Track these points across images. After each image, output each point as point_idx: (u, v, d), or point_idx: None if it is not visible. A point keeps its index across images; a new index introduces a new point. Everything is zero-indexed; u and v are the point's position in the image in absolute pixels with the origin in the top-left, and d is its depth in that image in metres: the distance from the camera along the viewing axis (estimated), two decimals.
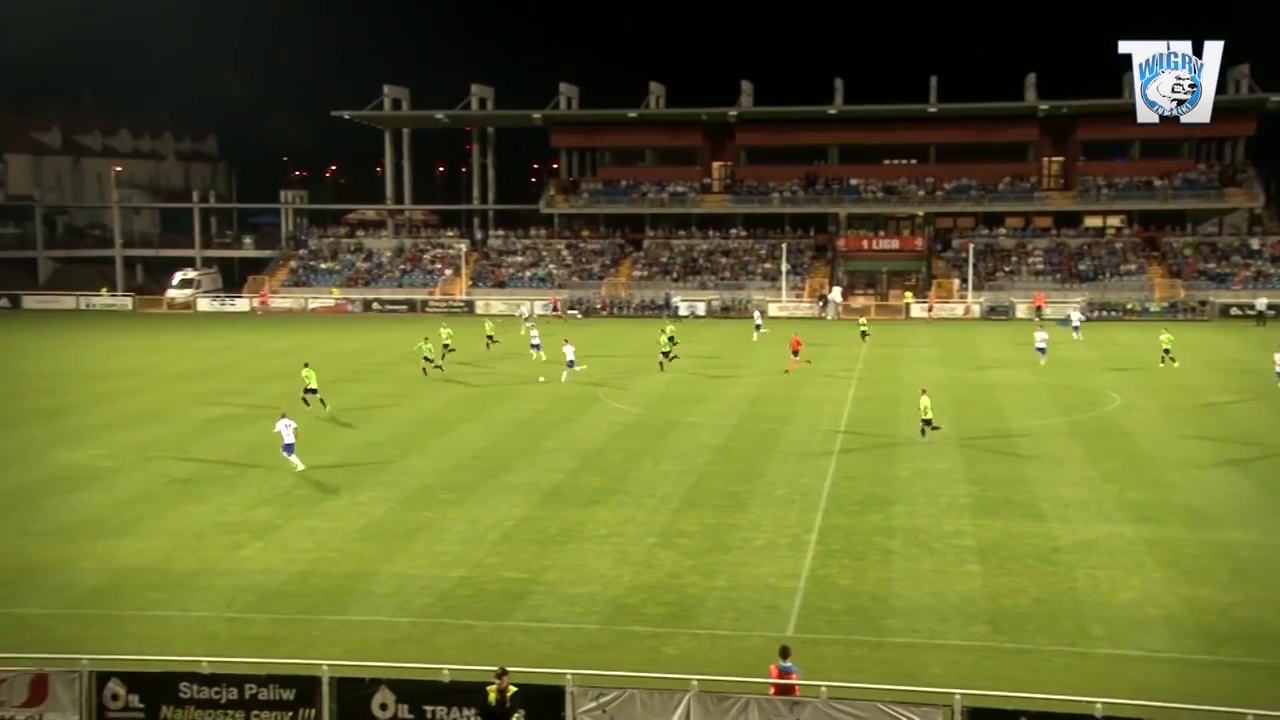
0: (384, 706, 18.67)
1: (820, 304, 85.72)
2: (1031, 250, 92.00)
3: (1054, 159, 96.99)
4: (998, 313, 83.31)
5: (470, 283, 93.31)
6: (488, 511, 31.01)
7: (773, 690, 18.20)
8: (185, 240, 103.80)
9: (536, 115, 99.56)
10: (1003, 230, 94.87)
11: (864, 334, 67.20)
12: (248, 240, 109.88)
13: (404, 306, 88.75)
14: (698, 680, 18.37)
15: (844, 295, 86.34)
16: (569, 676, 18.63)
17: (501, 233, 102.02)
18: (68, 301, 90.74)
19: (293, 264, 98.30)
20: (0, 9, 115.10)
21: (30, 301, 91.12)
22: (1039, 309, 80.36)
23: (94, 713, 18.92)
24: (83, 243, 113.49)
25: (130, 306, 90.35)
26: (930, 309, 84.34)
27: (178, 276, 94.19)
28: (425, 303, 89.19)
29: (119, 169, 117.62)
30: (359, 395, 48.97)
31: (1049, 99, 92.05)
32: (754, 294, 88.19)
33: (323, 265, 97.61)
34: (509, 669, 18.16)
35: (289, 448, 34.86)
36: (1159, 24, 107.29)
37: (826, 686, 18.17)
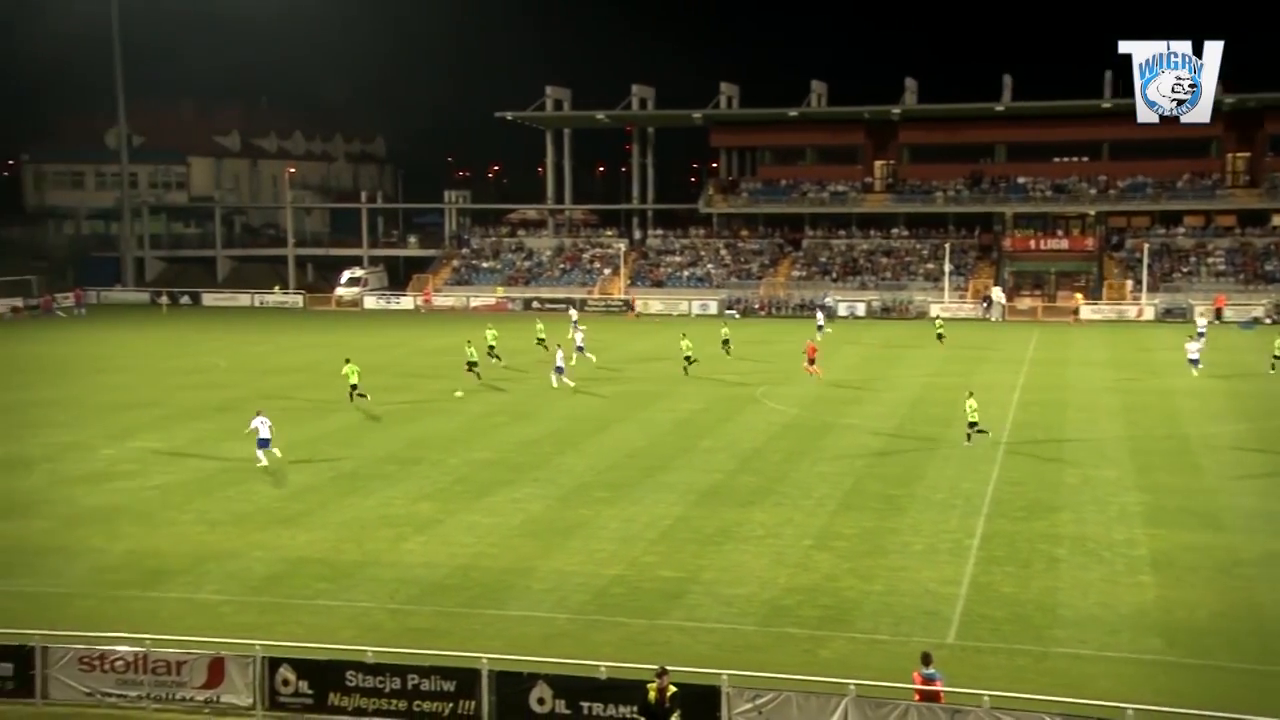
0: (541, 701, 18.81)
1: (984, 305, 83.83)
2: (1212, 250, 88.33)
3: (1239, 154, 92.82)
4: (1174, 315, 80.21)
5: (629, 282, 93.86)
6: (644, 510, 31.07)
7: (916, 697, 17.82)
8: (354, 239, 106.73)
9: (697, 115, 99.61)
10: (1181, 229, 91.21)
11: (940, 336, 65.24)
12: (413, 240, 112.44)
13: (563, 305, 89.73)
14: (855, 685, 18.06)
15: (1008, 296, 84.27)
16: (725, 677, 18.51)
17: (660, 232, 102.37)
18: (243, 299, 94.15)
19: (455, 263, 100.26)
20: (187, 25, 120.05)
21: (209, 298, 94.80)
22: (1218, 312, 77.11)
23: (266, 697, 19.50)
24: (258, 242, 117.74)
25: (300, 304, 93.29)
26: (1076, 312, 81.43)
27: (345, 275, 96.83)
28: (584, 301, 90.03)
29: (292, 170, 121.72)
30: (518, 392, 49.63)
31: (1234, 93, 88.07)
32: (829, 293, 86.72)
33: (484, 264, 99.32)
34: (667, 668, 18.10)
35: (264, 442, 35.50)
36: None
37: (990, 696, 17.67)
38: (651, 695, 17.75)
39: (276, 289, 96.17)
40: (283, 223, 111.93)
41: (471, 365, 51.73)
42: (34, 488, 33.36)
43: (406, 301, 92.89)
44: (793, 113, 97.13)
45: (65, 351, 63.22)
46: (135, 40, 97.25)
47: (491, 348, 57.35)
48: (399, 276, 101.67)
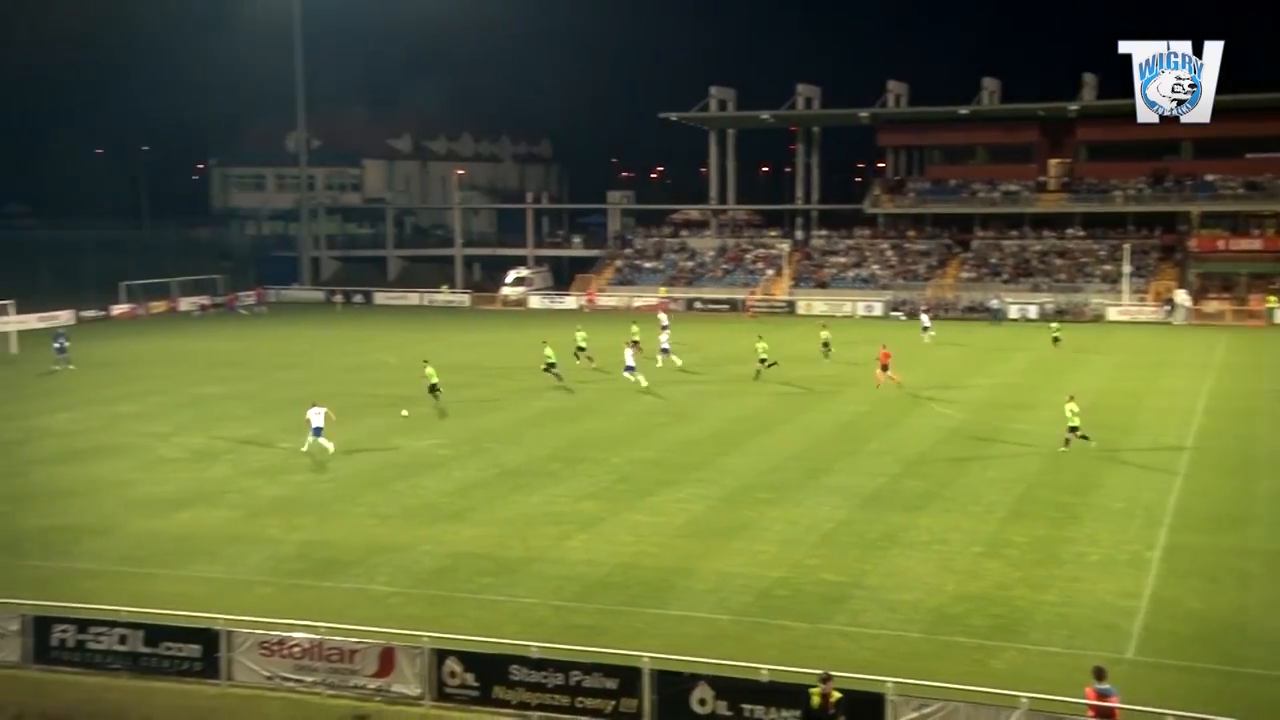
0: (703, 702, 18.72)
1: (1166, 308, 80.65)
2: None
3: None
4: None
5: (792, 283, 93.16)
6: (807, 513, 30.72)
7: (1090, 713, 17.13)
8: (519, 240, 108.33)
9: (864, 114, 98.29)
10: None
11: (1056, 340, 62.85)
12: (577, 240, 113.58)
13: (725, 306, 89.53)
14: (1027, 698, 17.49)
15: (1193, 299, 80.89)
16: (889, 685, 18.14)
17: (824, 233, 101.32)
18: (412, 298, 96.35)
19: (618, 263, 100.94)
20: (364, 32, 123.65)
21: (380, 297, 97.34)
22: None
23: (435, 687, 19.85)
24: (427, 242, 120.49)
25: (467, 303, 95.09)
26: (1269, 316, 77.39)
27: (511, 275, 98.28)
28: (746, 302, 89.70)
29: (461, 172, 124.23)
30: (681, 392, 49.63)
31: None
32: (1083, 296, 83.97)
33: (647, 264, 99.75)
34: (831, 673, 17.81)
35: (317, 431, 36.68)
36: None
37: (1174, 716, 16.91)
38: (815, 700, 17.48)
39: (444, 288, 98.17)
40: (451, 223, 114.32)
41: (550, 366, 51.00)
42: (218, 478, 34.66)
43: (570, 301, 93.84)
44: (963, 111, 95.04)
45: (247, 348, 65.65)
46: (315, 48, 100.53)
47: (581, 349, 57.23)
48: (563, 276, 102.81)
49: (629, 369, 49.65)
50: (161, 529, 29.33)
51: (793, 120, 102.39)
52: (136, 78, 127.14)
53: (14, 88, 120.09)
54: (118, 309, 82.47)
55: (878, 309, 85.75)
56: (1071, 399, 37.84)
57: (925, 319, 69.99)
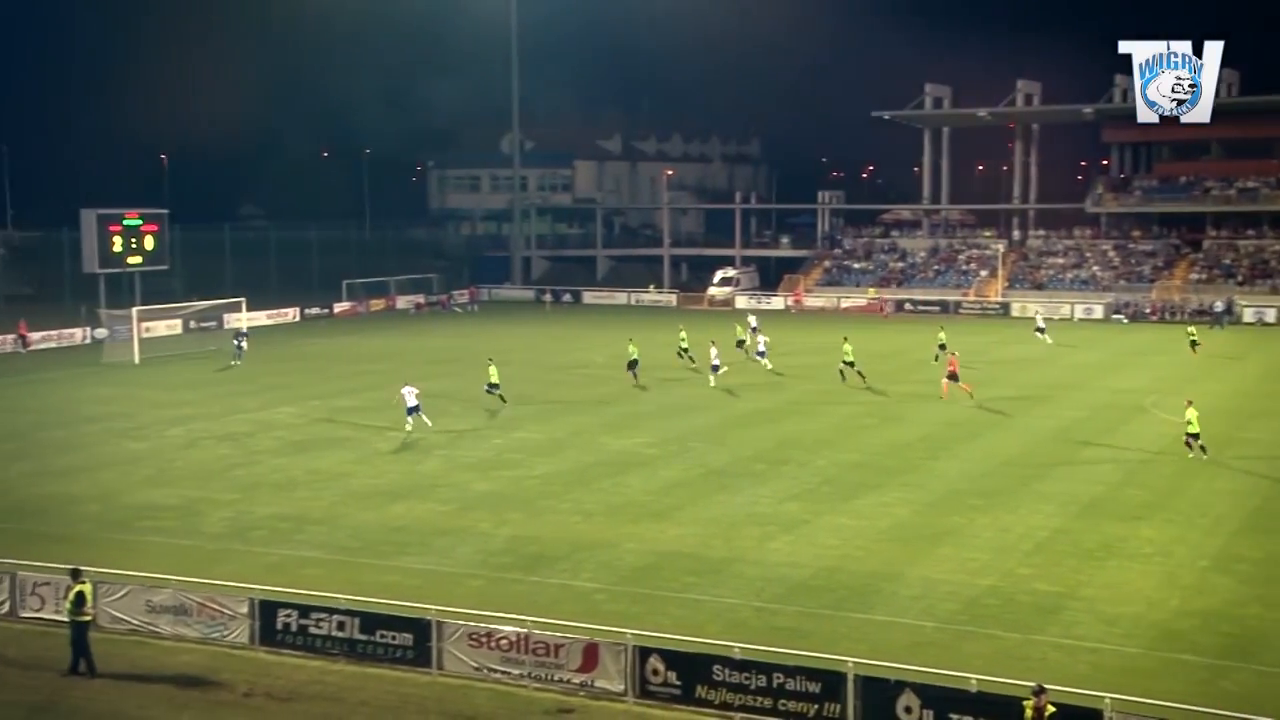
0: (908, 709, 18.27)
1: None
2: None
3: None
4: None
5: (1006, 284, 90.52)
6: (1020, 520, 29.74)
7: None
8: (727, 240, 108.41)
9: (1088, 110, 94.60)
10: None
11: (1194, 344, 59.15)
12: (785, 240, 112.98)
13: (936, 307, 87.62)
14: None
15: None
16: (1108, 700, 17.35)
17: (1042, 233, 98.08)
18: (620, 297, 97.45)
19: (827, 263, 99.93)
20: (577, 33, 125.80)
21: (589, 296, 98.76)
22: None
23: (637, 684, 19.93)
24: (635, 242, 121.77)
25: (674, 303, 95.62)
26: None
27: (718, 275, 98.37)
28: (959, 304, 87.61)
29: (670, 172, 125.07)
30: (892, 395, 48.77)
31: None
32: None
33: (856, 265, 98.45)
34: (1044, 686, 17.14)
35: (412, 409, 39.94)
36: None
37: None
38: (1028, 713, 16.85)
39: (651, 288, 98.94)
40: (659, 223, 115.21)
41: (632, 365, 51.28)
42: (431, 472, 35.70)
43: (777, 301, 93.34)
44: None
45: (460, 345, 67.49)
46: (530, 51, 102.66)
47: (684, 349, 57.08)
48: (770, 277, 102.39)
49: (714, 368, 50.50)
50: (377, 520, 30.34)
51: (1011, 117, 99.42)
52: (361, 84, 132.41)
53: (246, 97, 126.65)
54: (340, 306, 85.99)
55: (1098, 312, 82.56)
56: (1190, 404, 36.23)
57: (1039, 320, 67.76)
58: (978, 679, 18.28)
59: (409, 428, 40.06)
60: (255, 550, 27.89)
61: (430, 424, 40.50)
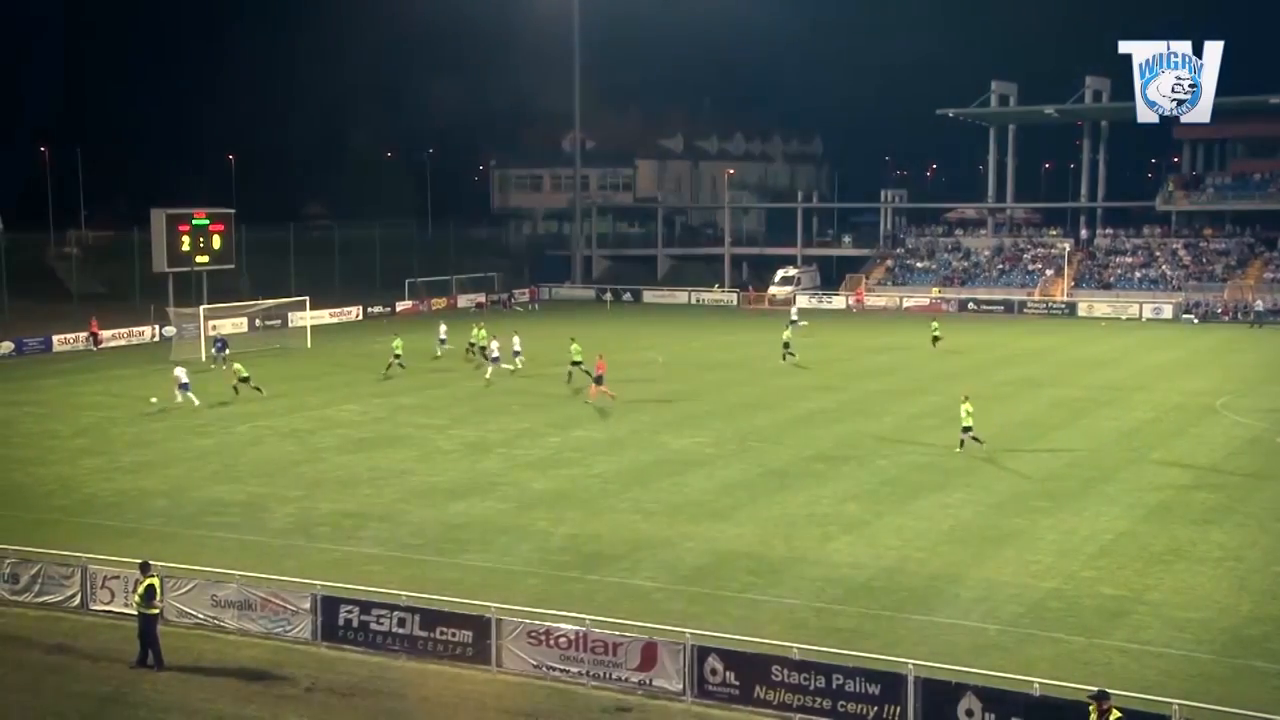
0: (970, 713, 18.07)
1: None
2: None
3: None
4: None
5: (1073, 284, 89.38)
6: (1085, 523, 29.34)
7: None
8: (788, 239, 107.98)
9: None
10: None
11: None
12: (846, 239, 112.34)
13: (1000, 307, 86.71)
14: None
15: None
16: (1175, 707, 17.06)
17: (1109, 231, 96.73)
18: (680, 296, 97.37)
19: (889, 263, 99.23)
20: (639, 33, 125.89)
21: (649, 295, 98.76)
22: None
23: (696, 684, 19.89)
24: (696, 241, 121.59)
25: (734, 302, 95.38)
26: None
27: (779, 274, 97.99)
28: (1023, 303, 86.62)
29: (731, 171, 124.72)
30: (949, 395, 48.31)
31: None
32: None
33: (918, 264, 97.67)
34: (1107, 691, 16.88)
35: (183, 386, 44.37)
36: None
37: None
38: (1092, 718, 16.60)
39: (716, 287, 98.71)
40: (721, 222, 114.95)
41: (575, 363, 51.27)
42: (491, 470, 35.86)
43: (838, 301, 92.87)
44: (1275, 99, 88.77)
45: (522, 343, 67.69)
46: (591, 51, 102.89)
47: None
48: (831, 276, 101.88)
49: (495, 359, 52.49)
50: (437, 517, 30.53)
51: (1079, 115, 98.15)
52: (424, 84, 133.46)
53: (312, 98, 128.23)
54: (402, 305, 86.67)
55: (1166, 311, 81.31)
56: (966, 399, 36.77)
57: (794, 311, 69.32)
58: (1040, 683, 18.04)
59: (179, 400, 44.61)
60: (318, 546, 28.17)
61: (196, 403, 44.12)
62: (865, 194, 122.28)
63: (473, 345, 57.75)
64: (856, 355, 62.10)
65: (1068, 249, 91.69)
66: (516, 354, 55.01)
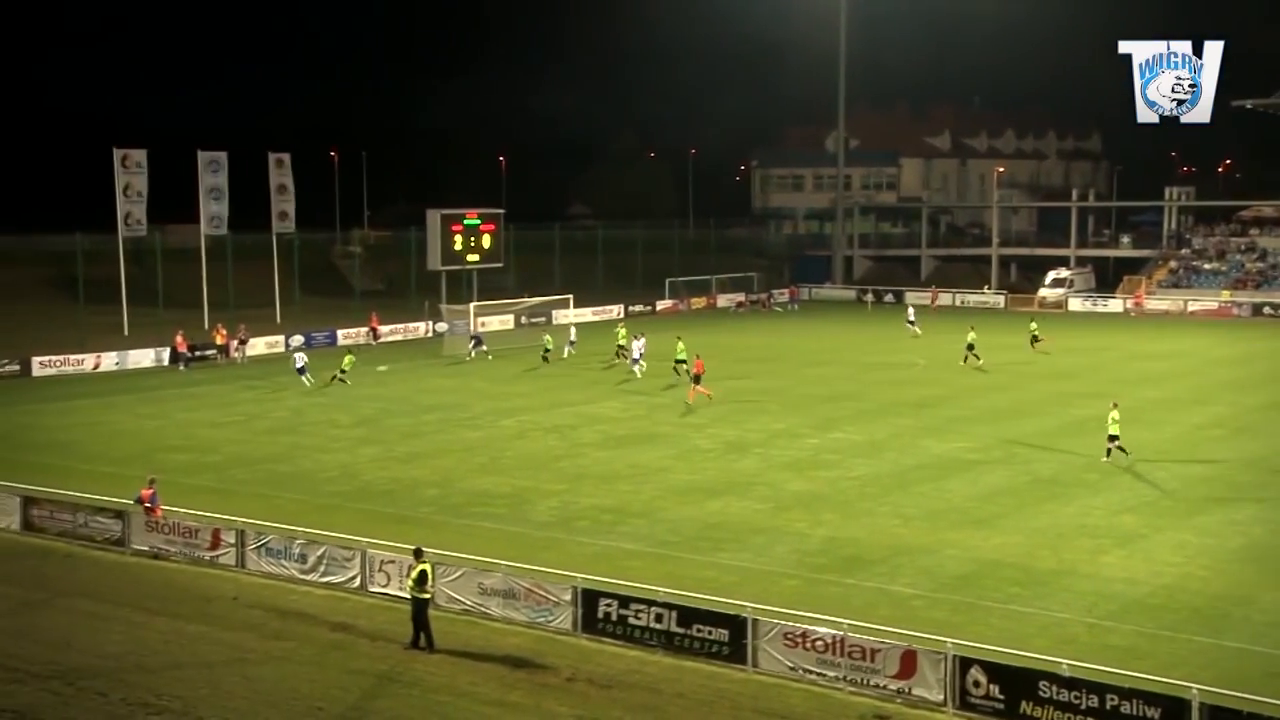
0: None
1: None
2: None
3: None
4: None
5: None
6: None
7: None
8: (1061, 239, 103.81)
9: None
10: None
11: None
12: (1125, 240, 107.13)
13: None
14: None
15: None
16: None
17: None
18: (944, 298, 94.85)
19: (1172, 264, 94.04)
20: (907, 29, 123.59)
21: (911, 297, 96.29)
22: None
23: (957, 695, 19.28)
24: (962, 241, 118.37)
25: (1002, 304, 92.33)
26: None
27: (1050, 275, 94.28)
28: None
29: (1001, 169, 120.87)
30: (1239, 406, 45.37)
31: None
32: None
33: (1206, 266, 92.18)
34: None
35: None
36: None
37: None
38: None
39: (985, 289, 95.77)
40: (988, 222, 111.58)
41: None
42: (748, 470, 35.78)
43: (1115, 304, 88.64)
44: None
45: (781, 344, 67.55)
46: (858, 47, 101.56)
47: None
48: (1107, 278, 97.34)
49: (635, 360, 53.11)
50: (694, 515, 30.66)
51: None
52: (687, 84, 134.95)
53: (579, 100, 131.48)
54: (662, 304, 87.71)
55: None
56: (1115, 406, 34.59)
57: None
58: None
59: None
60: (579, 539, 28.72)
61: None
62: (1148, 192, 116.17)
63: (621, 349, 57.31)
64: (1131, 361, 59.12)
65: None
66: (635, 361, 53.40)
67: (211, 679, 20.96)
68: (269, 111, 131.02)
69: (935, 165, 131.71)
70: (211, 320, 65.61)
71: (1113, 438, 35.28)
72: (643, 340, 54.33)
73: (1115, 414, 35.37)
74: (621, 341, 57.59)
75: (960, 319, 74.60)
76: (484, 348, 60.07)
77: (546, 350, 57.20)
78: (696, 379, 46.69)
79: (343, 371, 51.45)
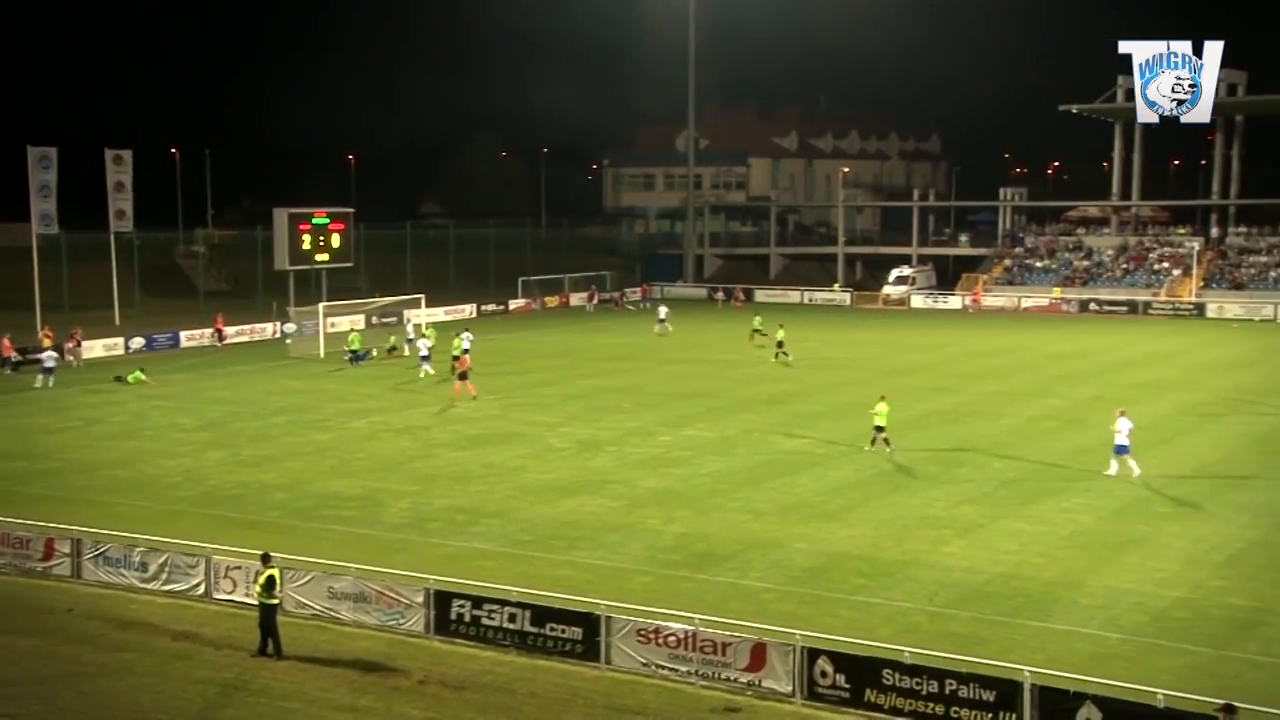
0: None
1: None
2: None
3: None
4: None
5: (1201, 284, 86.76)
6: (1214, 530, 28.45)
7: None
8: (903, 238, 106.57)
9: None
10: None
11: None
12: (963, 238, 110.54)
13: (1124, 308, 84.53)
14: None
15: None
16: None
17: (1243, 229, 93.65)
18: (793, 295, 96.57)
19: (1007, 262, 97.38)
20: (754, 30, 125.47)
21: (760, 295, 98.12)
22: None
23: (805, 686, 19.70)
24: (810, 240, 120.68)
25: (848, 302, 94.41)
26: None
27: (893, 273, 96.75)
28: (1149, 304, 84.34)
29: (846, 170, 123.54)
30: (1069, 398, 47.26)
31: None
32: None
33: (1038, 264, 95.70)
34: (1235, 705, 16.31)
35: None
36: None
37: None
38: None
39: (835, 287, 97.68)
40: (834, 221, 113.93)
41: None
42: (602, 468, 35.95)
43: (954, 301, 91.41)
44: None
45: (632, 342, 67.95)
46: (707, 48, 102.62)
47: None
48: (948, 275, 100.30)
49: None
50: (548, 514, 30.70)
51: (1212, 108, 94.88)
52: (538, 84, 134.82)
53: (428, 99, 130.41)
54: (515, 303, 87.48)
55: None
56: (882, 399, 36.56)
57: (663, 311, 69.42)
58: (1165, 694, 17.51)
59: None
60: (432, 541, 28.51)
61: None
62: (984, 192, 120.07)
63: (409, 342, 58.49)
64: (971, 356, 61.04)
65: (1197, 248, 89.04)
66: (424, 358, 53.52)
67: (45, 694, 20.26)
68: (109, 109, 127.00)
69: (783, 165, 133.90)
70: (45, 323, 63.18)
71: (879, 429, 36.66)
72: (424, 341, 55.01)
73: (881, 406, 36.85)
74: (417, 336, 58.03)
75: (803, 317, 76.10)
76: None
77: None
78: (463, 375, 47.68)
79: (131, 382, 50.74)
